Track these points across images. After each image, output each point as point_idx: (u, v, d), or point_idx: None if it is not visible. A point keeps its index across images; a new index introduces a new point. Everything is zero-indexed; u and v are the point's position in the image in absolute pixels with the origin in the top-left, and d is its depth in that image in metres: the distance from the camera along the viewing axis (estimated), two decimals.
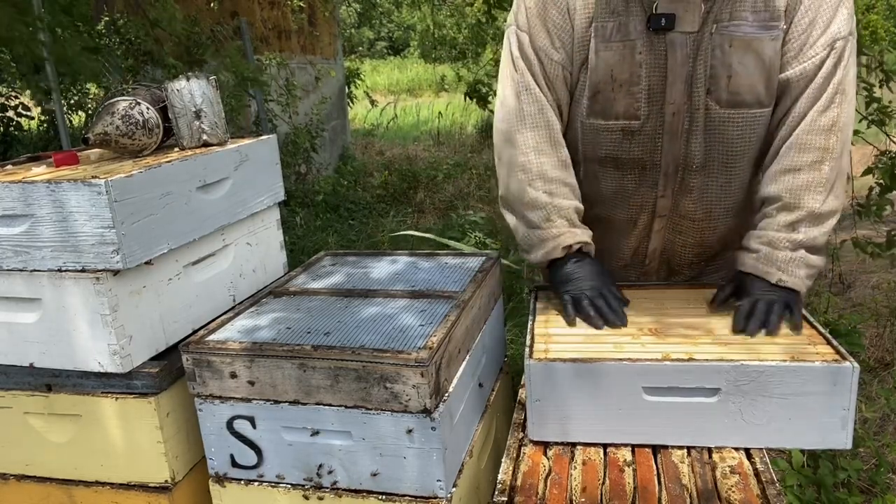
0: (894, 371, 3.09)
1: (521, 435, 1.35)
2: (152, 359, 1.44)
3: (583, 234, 1.51)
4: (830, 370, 1.21)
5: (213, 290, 1.61)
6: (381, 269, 1.80)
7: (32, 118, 6.38)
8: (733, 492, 1.15)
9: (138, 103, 1.58)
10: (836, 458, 2.17)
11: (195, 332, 1.49)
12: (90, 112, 6.13)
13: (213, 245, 1.61)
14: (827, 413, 1.23)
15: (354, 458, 1.32)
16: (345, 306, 1.53)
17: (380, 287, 1.65)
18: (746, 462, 1.23)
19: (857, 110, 2.93)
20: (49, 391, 1.47)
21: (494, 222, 5.27)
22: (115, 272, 1.34)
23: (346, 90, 9.32)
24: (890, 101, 3.14)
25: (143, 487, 1.46)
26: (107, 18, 5.59)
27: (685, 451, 1.27)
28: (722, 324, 1.39)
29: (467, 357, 1.47)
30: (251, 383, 1.34)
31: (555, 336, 1.40)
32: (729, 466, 1.22)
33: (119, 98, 1.59)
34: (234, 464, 1.41)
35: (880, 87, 3.19)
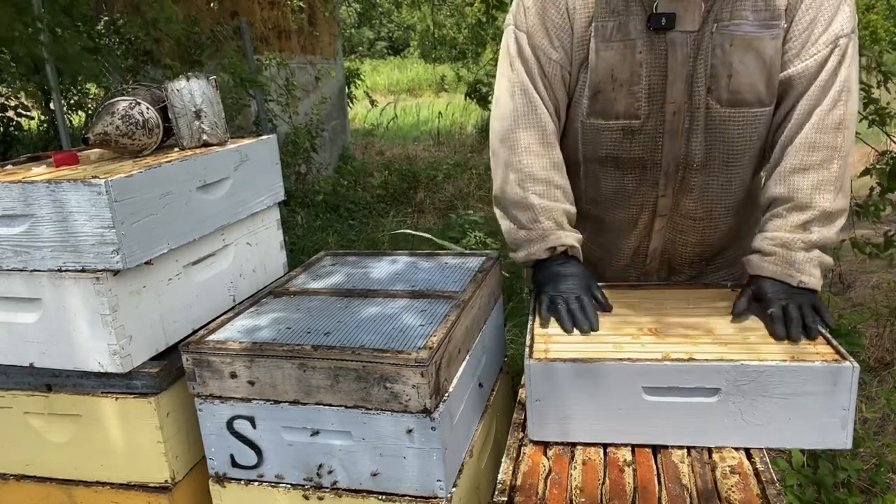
0: (894, 371, 3.09)
1: (521, 435, 1.35)
2: (152, 359, 1.44)
3: (569, 237, 1.51)
4: (830, 370, 1.21)
5: (213, 290, 1.61)
6: (381, 269, 1.80)
7: (32, 118, 6.38)
8: (733, 492, 1.15)
9: (138, 103, 1.58)
10: (836, 458, 2.17)
11: (195, 332, 1.49)
12: (90, 112, 6.13)
13: (213, 245, 1.61)
14: (827, 413, 1.23)
15: (354, 458, 1.32)
16: (345, 306, 1.53)
17: (380, 287, 1.65)
18: (746, 462, 1.23)
19: (861, 110, 2.94)
20: (49, 391, 1.47)
21: (494, 222, 5.26)
22: (115, 272, 1.34)
23: (346, 90, 9.32)
24: (888, 103, 3.14)
25: (143, 487, 1.46)
26: (106, 18, 5.59)
27: (685, 451, 1.27)
28: (722, 324, 1.39)
29: (467, 357, 1.47)
30: (251, 383, 1.34)
31: (555, 336, 1.40)
32: (729, 466, 1.22)
33: (119, 98, 1.59)
34: (234, 464, 1.41)
35: (878, 87, 3.20)
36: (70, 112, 6.24)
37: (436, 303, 1.52)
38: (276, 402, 1.34)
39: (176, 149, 1.66)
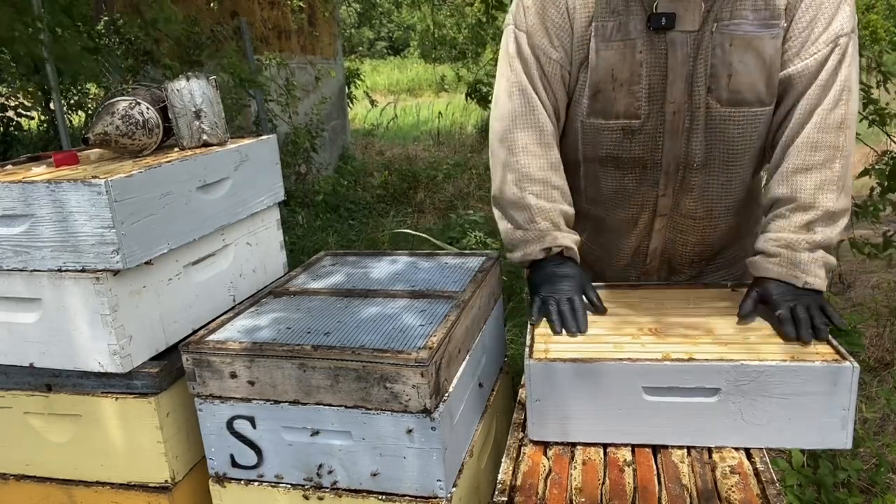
0: (894, 371, 3.09)
1: (521, 435, 1.35)
2: (152, 359, 1.44)
3: (565, 238, 1.50)
4: (830, 370, 1.21)
5: (213, 290, 1.61)
6: (381, 269, 1.80)
7: (32, 118, 6.38)
8: (733, 492, 1.15)
9: (138, 103, 1.58)
10: (836, 458, 2.17)
11: (195, 332, 1.49)
12: (90, 112, 6.13)
13: (213, 245, 1.61)
14: (827, 413, 1.22)
15: (354, 458, 1.32)
16: (345, 306, 1.53)
17: (380, 287, 1.65)
18: (746, 462, 1.23)
19: (860, 111, 2.94)
20: (49, 391, 1.47)
21: (494, 222, 5.26)
22: (115, 272, 1.34)
23: (346, 90, 9.32)
24: (887, 103, 3.14)
25: (143, 487, 1.46)
26: (106, 18, 5.59)
27: (685, 451, 1.27)
28: (722, 324, 1.39)
29: (467, 357, 1.47)
30: (251, 383, 1.34)
31: (555, 336, 1.40)
32: (729, 466, 1.22)
33: (119, 98, 1.59)
34: (234, 464, 1.41)
35: (877, 88, 3.20)
36: (70, 112, 6.25)
37: (436, 303, 1.51)
38: (276, 402, 1.34)
39: (176, 149, 1.66)
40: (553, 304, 1.44)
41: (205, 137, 1.65)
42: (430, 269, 1.77)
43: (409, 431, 1.27)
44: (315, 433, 1.33)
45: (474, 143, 9.71)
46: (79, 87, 6.29)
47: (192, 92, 1.63)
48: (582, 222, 1.61)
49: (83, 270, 1.34)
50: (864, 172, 3.12)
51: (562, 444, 1.31)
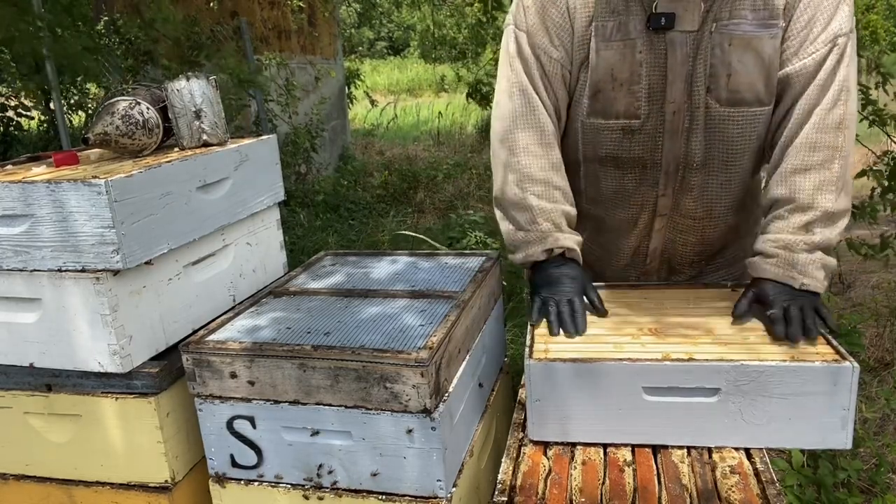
0: (894, 371, 3.09)
1: (521, 435, 1.35)
2: (152, 359, 1.44)
3: (567, 240, 1.50)
4: (830, 370, 1.21)
5: (213, 290, 1.61)
6: (381, 269, 1.80)
7: (32, 118, 6.38)
8: (733, 492, 1.15)
9: (138, 103, 1.58)
10: (836, 458, 2.17)
11: (195, 332, 1.49)
12: (90, 112, 6.13)
13: (213, 245, 1.61)
14: (827, 413, 1.22)
15: (354, 458, 1.32)
16: (345, 306, 1.53)
17: (380, 287, 1.65)
18: (746, 462, 1.23)
19: (859, 111, 2.94)
20: (49, 391, 1.47)
21: (494, 222, 5.26)
22: (115, 272, 1.34)
23: (346, 90, 9.32)
24: (885, 104, 3.14)
25: (143, 487, 1.46)
26: (106, 18, 5.60)
27: (685, 451, 1.27)
28: (722, 324, 1.39)
29: (467, 357, 1.47)
30: (251, 383, 1.34)
31: (555, 336, 1.40)
32: (729, 466, 1.22)
33: (119, 98, 1.59)
34: (234, 464, 1.41)
35: (876, 89, 3.20)
36: (70, 112, 6.25)
37: (436, 303, 1.51)
38: (276, 402, 1.34)
39: (176, 149, 1.66)
40: (552, 306, 1.44)
41: (205, 137, 1.65)
42: (430, 269, 1.77)
43: (409, 431, 1.27)
44: (315, 433, 1.33)
45: (474, 143, 9.71)
46: (79, 87, 6.29)
47: (192, 92, 1.63)
48: (582, 222, 1.61)
49: (83, 270, 1.34)
50: (862, 173, 3.12)
51: (562, 444, 1.31)
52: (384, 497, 1.33)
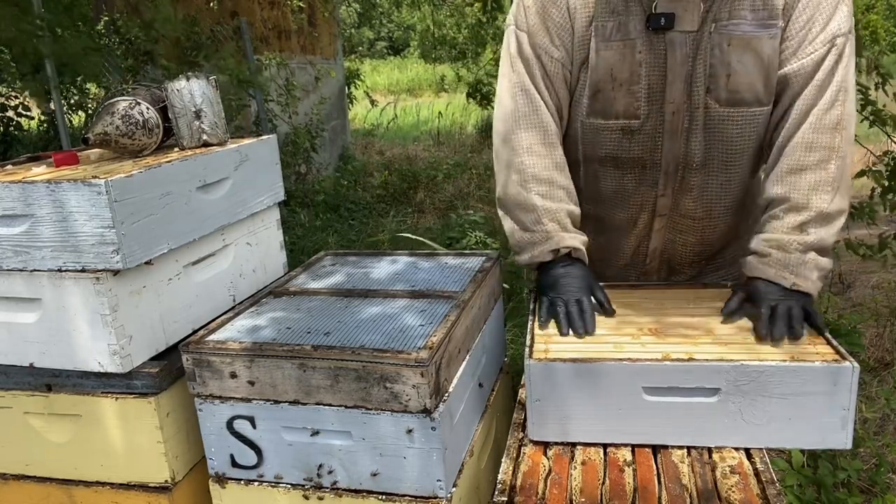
0: (894, 371, 3.09)
1: (521, 435, 1.35)
2: (152, 359, 1.44)
3: (573, 240, 1.50)
4: (830, 370, 1.21)
5: (213, 290, 1.61)
6: (381, 269, 1.80)
7: (32, 118, 6.38)
8: (733, 492, 1.15)
9: (138, 103, 1.58)
10: (836, 458, 2.17)
11: (195, 332, 1.49)
12: (90, 112, 6.13)
13: (213, 245, 1.61)
14: (827, 413, 1.23)
15: (354, 458, 1.32)
16: (345, 306, 1.53)
17: (380, 287, 1.65)
18: (746, 462, 1.23)
19: (858, 111, 2.94)
20: (49, 391, 1.47)
21: (494, 222, 5.27)
22: (115, 272, 1.34)
23: (346, 90, 9.32)
24: (884, 105, 3.14)
25: (143, 487, 1.46)
26: (107, 18, 5.60)
27: (685, 451, 1.27)
28: (722, 324, 1.39)
29: (467, 357, 1.47)
30: (251, 383, 1.34)
31: (555, 336, 1.40)
32: (729, 466, 1.22)
33: (119, 98, 1.59)
34: (234, 464, 1.41)
35: (876, 90, 3.20)
36: (70, 112, 6.25)
37: (436, 303, 1.52)
38: (276, 402, 1.34)
39: (176, 149, 1.66)
40: (561, 306, 1.44)
41: (205, 137, 1.65)
42: (430, 269, 1.77)
43: (410, 431, 1.27)
44: (315, 433, 1.33)
45: (474, 143, 9.71)
46: (79, 87, 6.30)
47: (192, 92, 1.63)
48: (582, 222, 1.61)
49: (83, 270, 1.34)
50: (862, 173, 3.12)
51: (562, 444, 1.31)
52: (384, 497, 1.33)
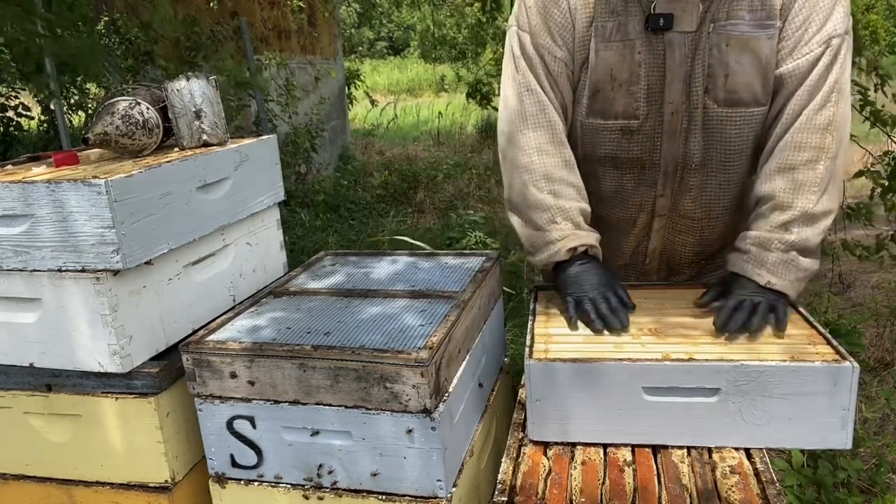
0: (894, 371, 3.09)
1: (521, 435, 1.35)
2: (152, 359, 1.44)
3: (588, 237, 1.50)
4: (830, 370, 1.21)
5: (213, 290, 1.61)
6: (382, 269, 1.80)
7: (32, 118, 6.38)
8: (733, 492, 1.15)
9: (138, 103, 1.58)
10: (836, 458, 2.17)
11: (195, 332, 1.49)
12: (90, 112, 6.14)
13: (213, 245, 1.61)
14: (827, 413, 1.23)
15: (354, 458, 1.32)
16: (345, 306, 1.53)
17: (380, 287, 1.65)
18: (746, 462, 1.24)
19: (857, 111, 2.94)
20: (49, 391, 1.47)
21: (494, 222, 5.27)
22: (115, 272, 1.34)
23: (346, 90, 9.32)
24: (883, 106, 3.14)
25: (143, 487, 1.46)
26: (107, 18, 5.60)
27: (685, 451, 1.27)
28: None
29: (467, 357, 1.47)
30: (251, 383, 1.34)
31: (555, 336, 1.40)
32: (729, 466, 1.22)
33: (119, 98, 1.59)
34: (234, 464, 1.41)
35: (875, 91, 3.20)
36: (70, 112, 6.25)
37: (436, 303, 1.52)
38: (276, 402, 1.34)
39: (176, 149, 1.66)
40: (588, 304, 1.43)
41: (205, 137, 1.65)
42: (430, 269, 1.77)
43: (410, 431, 1.27)
44: (315, 433, 1.34)
45: (474, 143, 9.71)
46: (79, 87, 6.30)
47: (192, 92, 1.63)
48: None
49: (83, 270, 1.34)
50: (860, 174, 3.12)
51: (562, 444, 1.31)
52: (384, 497, 1.33)
